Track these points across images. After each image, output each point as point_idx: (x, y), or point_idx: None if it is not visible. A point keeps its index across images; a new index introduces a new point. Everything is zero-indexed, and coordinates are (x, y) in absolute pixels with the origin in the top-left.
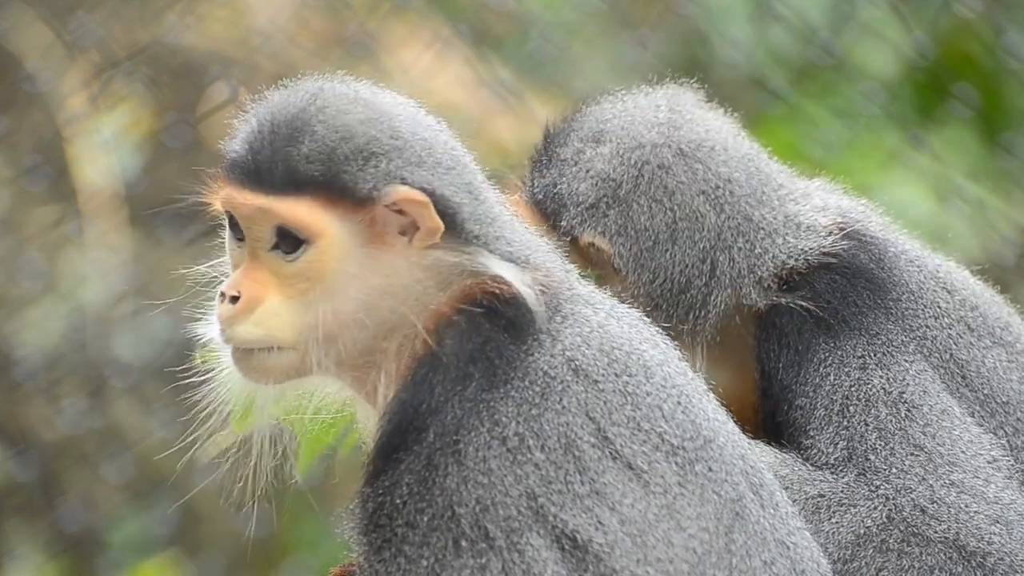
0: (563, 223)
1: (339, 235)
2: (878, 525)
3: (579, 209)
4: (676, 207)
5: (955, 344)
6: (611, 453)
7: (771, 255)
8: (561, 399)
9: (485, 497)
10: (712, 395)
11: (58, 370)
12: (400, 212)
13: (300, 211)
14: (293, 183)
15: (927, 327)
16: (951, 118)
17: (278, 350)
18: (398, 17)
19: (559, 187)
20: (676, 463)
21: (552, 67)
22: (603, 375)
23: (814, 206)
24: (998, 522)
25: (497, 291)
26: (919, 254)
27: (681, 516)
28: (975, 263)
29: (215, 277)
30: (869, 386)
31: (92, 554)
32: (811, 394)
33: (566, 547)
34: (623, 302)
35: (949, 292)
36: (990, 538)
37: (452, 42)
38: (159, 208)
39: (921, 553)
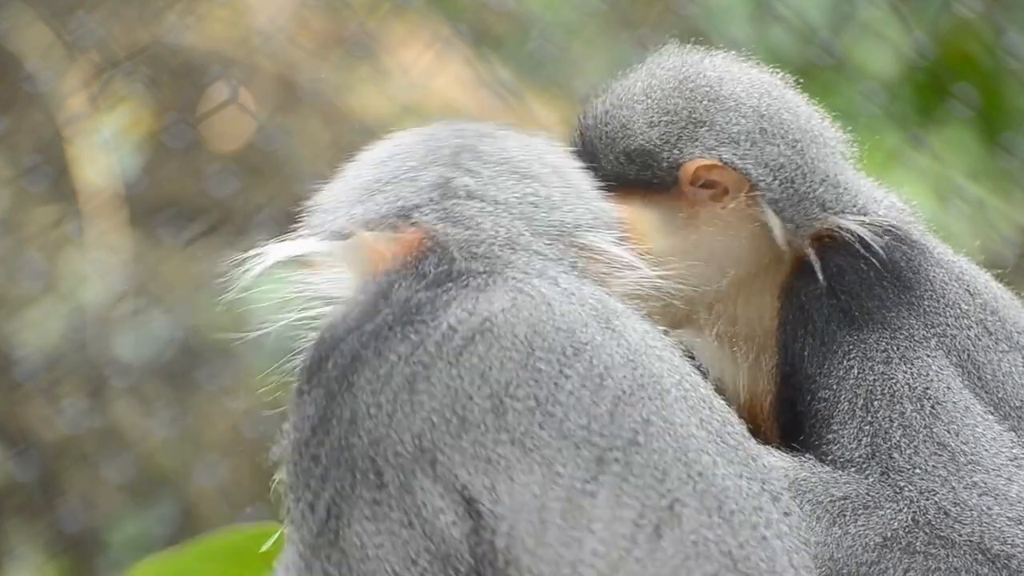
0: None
1: None
2: (904, 528)
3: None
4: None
5: (973, 346)
6: (503, 424)
7: (827, 201)
8: (458, 355)
9: (376, 432)
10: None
11: (58, 370)
12: None
13: None
14: None
15: (947, 326)
16: (951, 118)
17: None
18: (398, 17)
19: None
20: (582, 458)
21: (552, 67)
22: (513, 345)
23: (870, 191)
24: (1021, 523)
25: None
26: (947, 257)
27: (588, 516)
28: (975, 263)
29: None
30: (893, 381)
31: (92, 554)
32: (835, 387)
33: (460, 502)
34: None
35: (971, 295)
36: (1013, 539)
37: (452, 42)
38: (161, 209)
39: (947, 555)
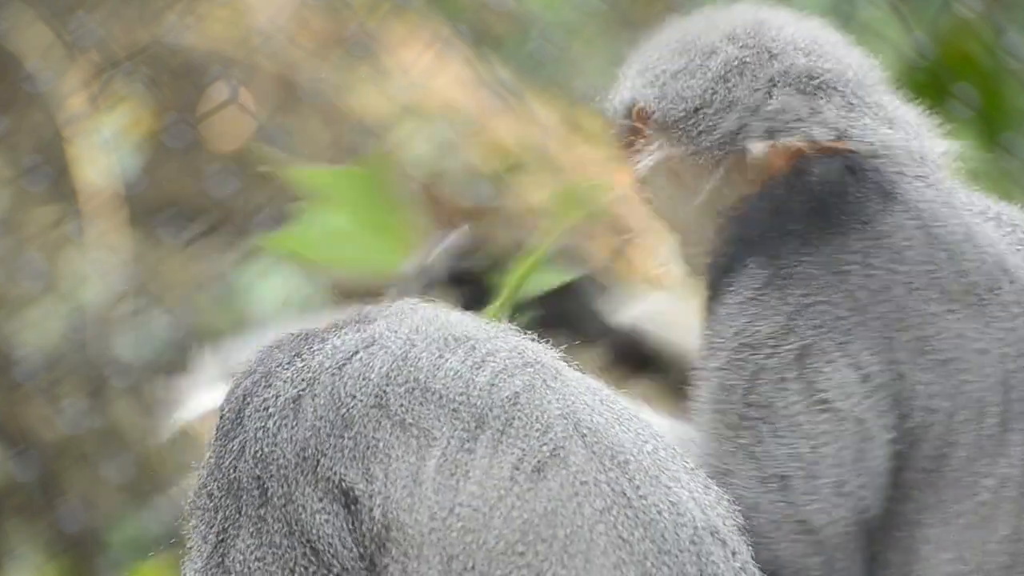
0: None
1: None
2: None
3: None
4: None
5: (904, 300)
6: (383, 412)
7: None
8: (342, 367)
9: (260, 452)
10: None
11: (58, 370)
12: None
13: None
14: None
15: (870, 273)
16: (951, 118)
17: None
18: (398, 17)
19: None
20: (461, 419)
21: (552, 67)
22: (394, 342)
23: (893, 116)
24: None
25: None
26: (928, 196)
27: (464, 467)
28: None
29: None
30: (757, 356)
31: (92, 554)
32: (710, 336)
33: (339, 499)
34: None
35: (932, 243)
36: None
37: (452, 42)
38: (161, 209)
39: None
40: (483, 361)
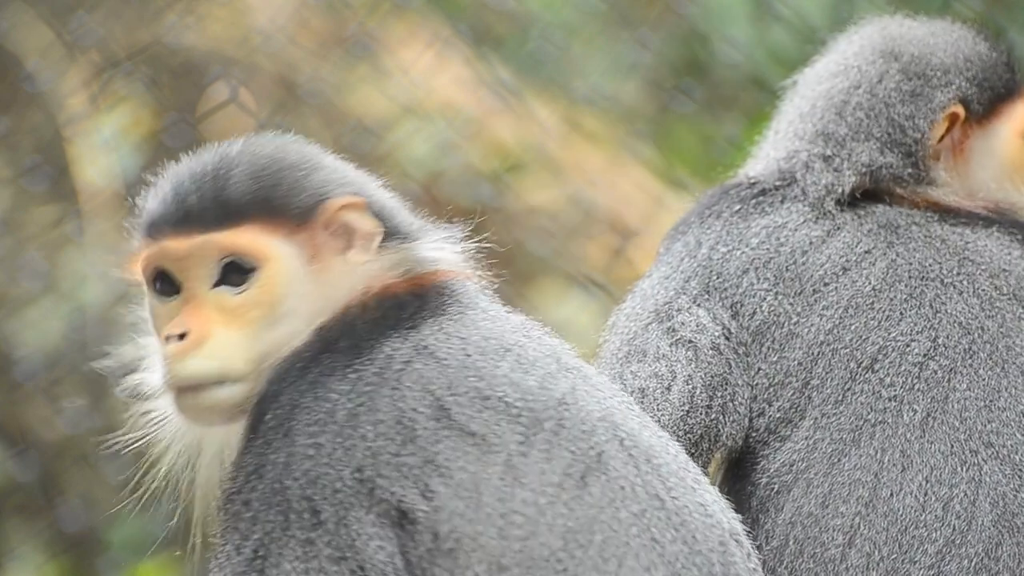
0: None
1: (285, 256)
2: None
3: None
4: None
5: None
6: (447, 423)
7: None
8: (399, 376)
9: (313, 472)
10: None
11: (58, 370)
12: (334, 227)
13: (244, 237)
14: (230, 214)
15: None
16: None
17: (229, 383)
18: (398, 17)
19: None
20: (521, 423)
21: (552, 67)
22: (449, 354)
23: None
24: None
25: (410, 285)
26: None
27: (522, 472)
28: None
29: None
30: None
31: (92, 554)
32: None
33: (398, 520)
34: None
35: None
36: None
37: (452, 42)
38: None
39: None
40: (532, 365)
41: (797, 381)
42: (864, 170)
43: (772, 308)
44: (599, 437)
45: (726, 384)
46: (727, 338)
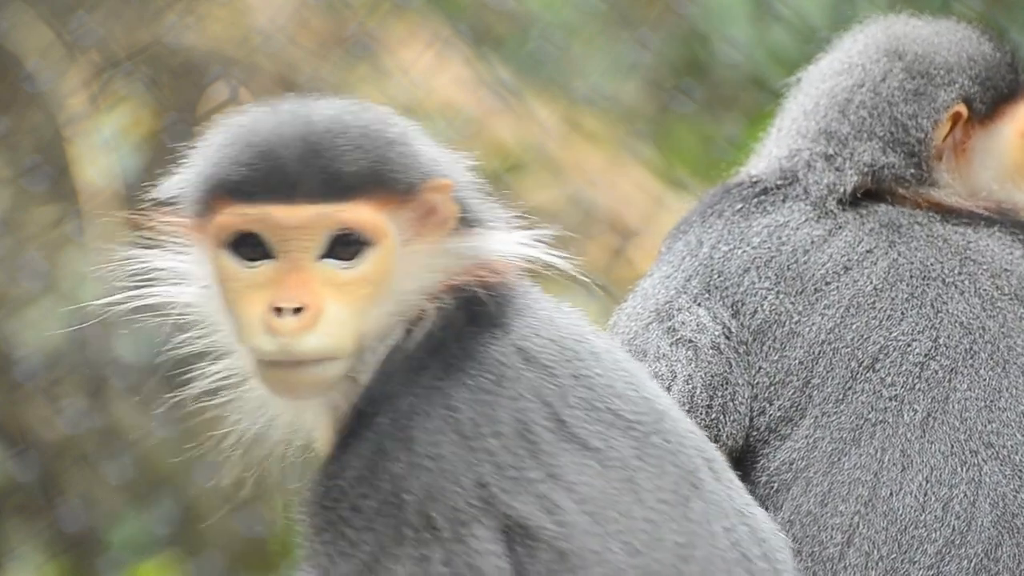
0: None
1: (393, 234)
2: None
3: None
4: None
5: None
6: (566, 435)
7: None
8: (515, 385)
9: (433, 485)
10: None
11: (58, 370)
12: (425, 207)
13: (363, 213)
14: (345, 187)
15: None
16: None
17: (334, 361)
18: (398, 17)
19: None
20: (633, 437)
21: (552, 67)
22: (554, 361)
23: None
24: None
25: (485, 277)
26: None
27: (640, 488)
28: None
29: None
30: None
31: (92, 554)
32: None
33: (516, 536)
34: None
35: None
36: None
37: (452, 42)
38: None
39: None
40: (621, 370)
41: (798, 380)
42: (866, 170)
43: (773, 307)
44: (691, 451)
45: (726, 384)
46: (728, 337)
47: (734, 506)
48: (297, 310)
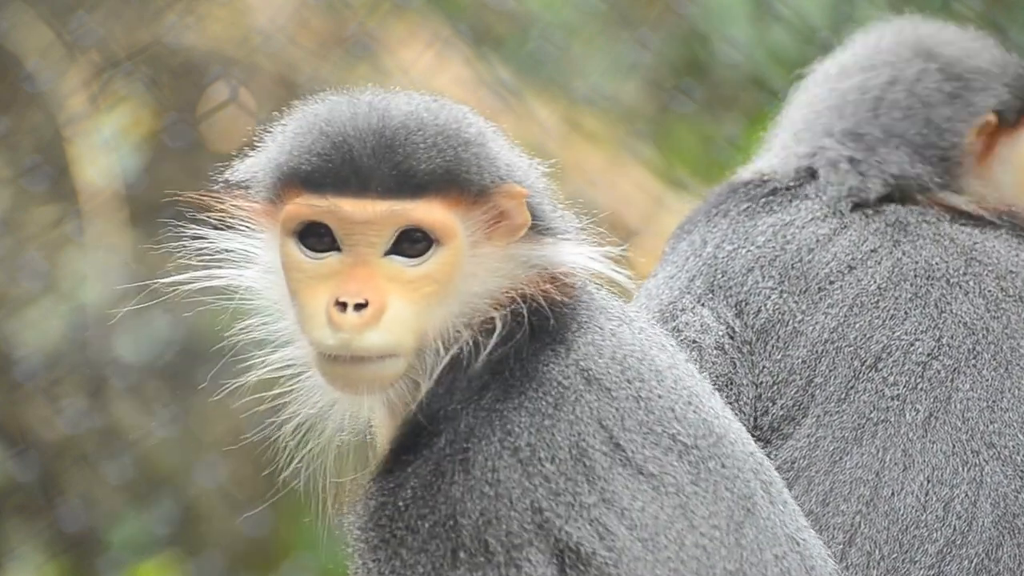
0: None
1: (462, 234)
2: None
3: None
4: None
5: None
6: (622, 460)
7: None
8: (574, 409)
9: (490, 509)
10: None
11: (58, 370)
12: (495, 212)
13: (434, 212)
14: (417, 185)
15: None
16: None
17: (395, 358)
18: (398, 17)
19: None
20: (689, 462)
21: (552, 67)
22: (615, 383)
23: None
24: None
25: (550, 289)
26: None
27: (694, 515)
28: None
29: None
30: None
31: (92, 554)
32: None
33: (568, 560)
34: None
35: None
36: None
37: (452, 42)
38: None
39: None
40: (682, 388)
41: (801, 379)
42: (892, 181)
43: (777, 306)
44: (748, 475)
45: (730, 384)
46: (731, 337)
47: (786, 532)
48: (360, 305)
